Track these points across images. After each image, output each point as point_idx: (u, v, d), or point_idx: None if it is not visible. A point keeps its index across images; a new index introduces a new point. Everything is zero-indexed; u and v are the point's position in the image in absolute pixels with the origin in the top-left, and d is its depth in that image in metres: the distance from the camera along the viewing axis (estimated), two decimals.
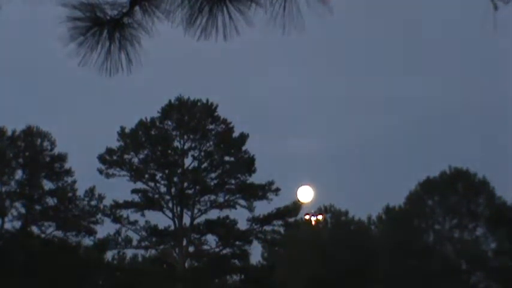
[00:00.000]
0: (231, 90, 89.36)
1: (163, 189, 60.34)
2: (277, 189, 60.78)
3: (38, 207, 57.42)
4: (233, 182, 60.62)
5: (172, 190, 60.23)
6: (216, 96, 70.06)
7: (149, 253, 60.64)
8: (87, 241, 58.53)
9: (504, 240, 55.46)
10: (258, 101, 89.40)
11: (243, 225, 60.73)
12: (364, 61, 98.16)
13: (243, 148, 61.03)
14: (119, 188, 60.04)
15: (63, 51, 4.27)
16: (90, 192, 58.95)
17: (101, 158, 60.19)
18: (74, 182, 58.64)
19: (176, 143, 60.68)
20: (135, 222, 59.77)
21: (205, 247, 60.63)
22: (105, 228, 59.24)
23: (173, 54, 64.83)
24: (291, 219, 61.20)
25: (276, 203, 60.95)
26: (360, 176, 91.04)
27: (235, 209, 60.70)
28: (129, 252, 61.04)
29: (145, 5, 4.31)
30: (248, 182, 60.62)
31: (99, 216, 58.92)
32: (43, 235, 57.31)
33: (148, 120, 60.81)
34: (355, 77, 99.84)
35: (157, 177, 60.17)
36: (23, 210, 57.00)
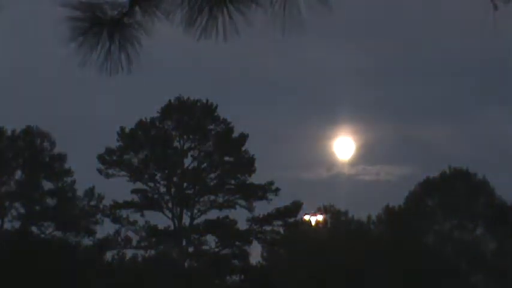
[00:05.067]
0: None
1: (163, 189, 60.40)
2: (277, 189, 60.86)
3: (37, 207, 57.41)
4: (233, 182, 60.66)
5: (172, 190, 60.26)
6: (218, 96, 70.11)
7: (149, 253, 60.69)
8: (87, 241, 58.61)
9: (504, 240, 55.45)
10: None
11: (242, 225, 60.87)
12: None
13: (243, 148, 61.09)
14: (119, 188, 59.99)
15: (63, 51, 4.27)
16: (90, 192, 58.95)
17: (101, 158, 60.24)
18: (74, 182, 58.66)
19: (176, 143, 60.73)
20: (135, 222, 59.86)
21: (205, 247, 60.70)
22: (105, 228, 59.34)
23: (173, 54, 64.67)
24: (291, 219, 61.24)
25: (276, 202, 61.11)
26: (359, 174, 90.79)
27: (235, 209, 60.79)
28: (129, 252, 60.96)
29: (145, 5, 4.32)
30: (248, 182, 60.67)
31: (98, 216, 58.99)
32: (43, 235, 57.31)
33: (148, 120, 60.86)
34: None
35: (157, 177, 60.22)
36: (22, 211, 57.02)
